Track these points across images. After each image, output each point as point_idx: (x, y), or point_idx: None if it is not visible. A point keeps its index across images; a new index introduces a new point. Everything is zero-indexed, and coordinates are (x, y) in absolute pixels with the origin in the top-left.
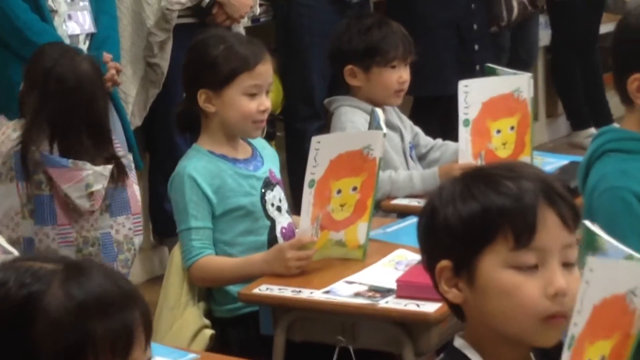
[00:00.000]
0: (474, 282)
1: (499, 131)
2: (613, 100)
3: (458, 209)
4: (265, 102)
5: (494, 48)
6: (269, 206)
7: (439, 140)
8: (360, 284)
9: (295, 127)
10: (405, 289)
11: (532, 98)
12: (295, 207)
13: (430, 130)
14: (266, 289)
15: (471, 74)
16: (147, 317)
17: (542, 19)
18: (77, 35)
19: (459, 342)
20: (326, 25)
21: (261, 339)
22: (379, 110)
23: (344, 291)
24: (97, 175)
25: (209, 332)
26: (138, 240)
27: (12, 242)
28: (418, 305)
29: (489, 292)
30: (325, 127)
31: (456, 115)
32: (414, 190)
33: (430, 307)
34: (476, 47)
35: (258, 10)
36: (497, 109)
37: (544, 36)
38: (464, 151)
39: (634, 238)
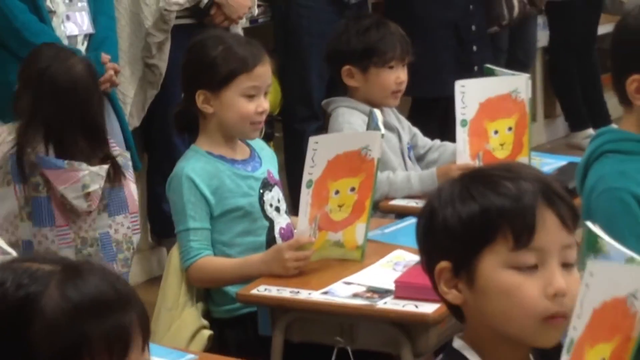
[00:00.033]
0: (473, 283)
1: (496, 132)
2: (611, 101)
3: (457, 210)
4: (264, 104)
5: (492, 49)
6: (267, 207)
7: (437, 141)
8: (359, 284)
9: (293, 127)
10: (403, 289)
11: (529, 99)
12: (293, 207)
13: (429, 131)
14: (264, 290)
15: (469, 74)
16: (144, 319)
17: (540, 20)
18: (76, 36)
19: (458, 343)
20: (325, 26)
21: (259, 340)
22: (377, 111)
23: (342, 292)
24: (93, 175)
25: (207, 332)
26: (136, 238)
27: (11, 245)
28: (416, 306)
29: (489, 292)
30: (323, 128)
31: (454, 116)
32: (412, 191)
33: (428, 308)
34: (474, 48)
35: (256, 11)
36: (495, 109)
37: (542, 37)
38: (462, 152)
39: (632, 239)
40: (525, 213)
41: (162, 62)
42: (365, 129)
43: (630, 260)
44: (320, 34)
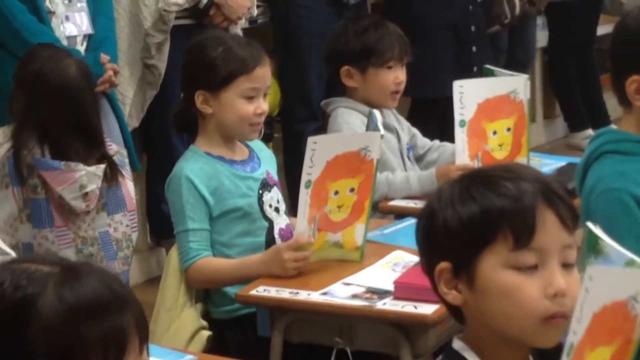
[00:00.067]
0: (473, 283)
1: (495, 132)
2: (610, 102)
3: (457, 211)
4: (263, 105)
5: (491, 49)
6: (266, 207)
7: (437, 142)
8: (358, 285)
9: (292, 128)
10: (402, 290)
11: (528, 100)
12: (293, 208)
13: (428, 131)
14: (264, 291)
15: (469, 75)
16: (142, 320)
17: (540, 21)
18: (75, 37)
19: (457, 344)
20: (324, 27)
21: (258, 341)
22: (376, 112)
23: (341, 293)
24: (90, 175)
25: (206, 333)
26: (135, 236)
27: (12, 248)
28: (415, 307)
29: (489, 292)
30: (322, 128)
31: (454, 116)
32: (411, 191)
33: (427, 309)
34: (474, 48)
35: (256, 12)
36: (493, 110)
37: (542, 37)
38: (461, 152)
39: (632, 239)
40: (525, 213)
41: (161, 63)
42: (364, 130)
43: (631, 262)
44: (320, 35)
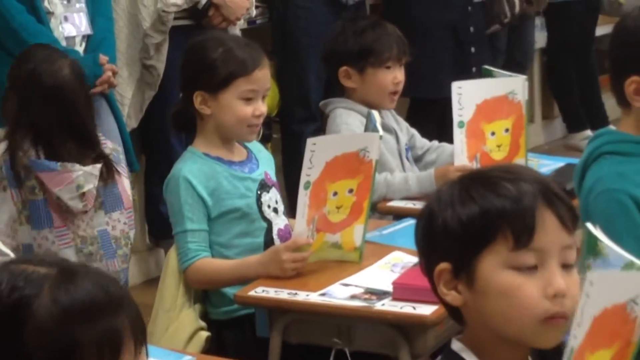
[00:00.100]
0: (473, 284)
1: (493, 133)
2: (609, 103)
3: (457, 212)
4: (261, 107)
5: (490, 50)
6: (265, 208)
7: (435, 142)
8: (357, 286)
9: (291, 129)
10: (401, 291)
11: (526, 100)
12: (291, 209)
13: (427, 132)
14: (262, 291)
15: (468, 76)
16: (138, 323)
17: (538, 21)
18: (73, 37)
19: (456, 345)
20: (323, 27)
21: (257, 341)
22: (375, 113)
23: (340, 293)
24: (87, 175)
25: (204, 334)
26: (132, 234)
27: (13, 250)
28: (414, 308)
29: (489, 293)
30: (321, 129)
31: (452, 117)
32: (409, 192)
33: (426, 310)
34: (473, 49)
35: (254, 12)
36: (492, 111)
37: (540, 38)
38: (459, 153)
39: (630, 240)
40: (525, 214)
41: (159, 64)
42: (362, 130)
43: (630, 264)
44: (318, 35)
